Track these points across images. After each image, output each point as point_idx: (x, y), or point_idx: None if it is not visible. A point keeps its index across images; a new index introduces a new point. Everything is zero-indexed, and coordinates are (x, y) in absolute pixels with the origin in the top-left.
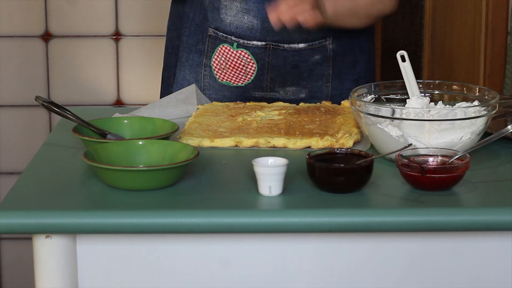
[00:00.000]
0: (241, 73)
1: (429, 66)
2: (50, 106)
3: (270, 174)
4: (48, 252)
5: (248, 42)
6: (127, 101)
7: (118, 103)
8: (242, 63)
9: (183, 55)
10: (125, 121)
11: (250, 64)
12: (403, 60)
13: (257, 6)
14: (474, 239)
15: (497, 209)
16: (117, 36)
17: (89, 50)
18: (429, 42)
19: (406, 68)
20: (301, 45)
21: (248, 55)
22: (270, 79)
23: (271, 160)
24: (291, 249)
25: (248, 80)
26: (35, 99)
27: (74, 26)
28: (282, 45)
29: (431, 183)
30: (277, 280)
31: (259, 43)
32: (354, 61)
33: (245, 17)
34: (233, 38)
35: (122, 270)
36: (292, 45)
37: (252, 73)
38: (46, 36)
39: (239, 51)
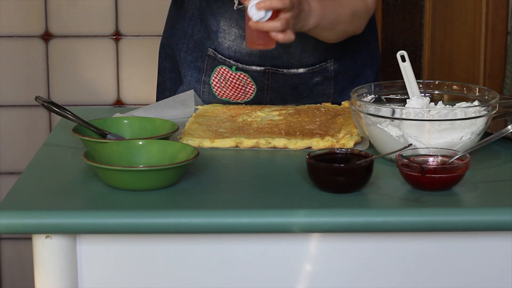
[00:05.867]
0: (241, 93)
1: (429, 66)
2: (50, 106)
3: None
4: (48, 252)
5: (247, 66)
6: (127, 101)
7: (118, 103)
8: (241, 84)
9: (182, 70)
10: (125, 121)
11: (249, 85)
12: (403, 60)
13: None
14: (474, 239)
15: (497, 209)
16: (117, 36)
17: (89, 50)
18: (429, 42)
19: (406, 68)
20: (301, 70)
21: (247, 77)
22: (270, 99)
23: None
24: (291, 249)
25: (247, 99)
26: (35, 99)
27: (74, 26)
28: (281, 70)
29: (431, 183)
30: (277, 280)
31: (258, 68)
32: (356, 75)
33: (244, 43)
34: (231, 61)
35: (122, 270)
36: (292, 70)
37: (251, 93)
38: (46, 36)
39: (238, 74)
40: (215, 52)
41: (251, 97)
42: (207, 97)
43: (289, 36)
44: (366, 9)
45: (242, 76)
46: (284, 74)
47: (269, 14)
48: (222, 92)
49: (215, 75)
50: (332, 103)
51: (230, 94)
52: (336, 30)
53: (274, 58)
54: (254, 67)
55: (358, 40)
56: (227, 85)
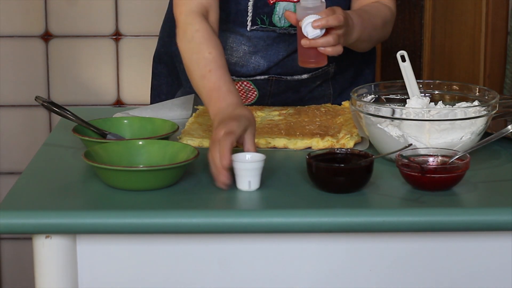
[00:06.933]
0: (242, 97)
1: (429, 66)
2: (50, 106)
3: (249, 170)
4: (48, 252)
5: (251, 77)
6: (127, 101)
7: (118, 103)
8: (243, 91)
9: (181, 77)
10: (125, 121)
11: (251, 92)
12: (403, 60)
13: (266, 47)
14: (474, 239)
15: (497, 209)
16: (117, 36)
17: (89, 50)
18: (429, 42)
19: (406, 68)
20: (305, 76)
21: (250, 84)
22: (271, 103)
23: (248, 155)
24: (291, 249)
25: (248, 102)
26: (35, 99)
27: (74, 26)
28: (285, 77)
29: (431, 183)
30: (277, 280)
31: (262, 76)
32: (355, 75)
33: (252, 58)
34: (234, 77)
35: (122, 270)
36: (295, 77)
37: (253, 99)
38: (46, 36)
39: (241, 81)
40: None
41: (252, 101)
42: None
43: (338, 49)
44: (392, 15)
45: (245, 83)
46: (288, 80)
47: (323, 31)
48: None
49: None
50: (332, 103)
51: None
52: (371, 40)
53: (279, 66)
54: (258, 77)
55: None
56: None
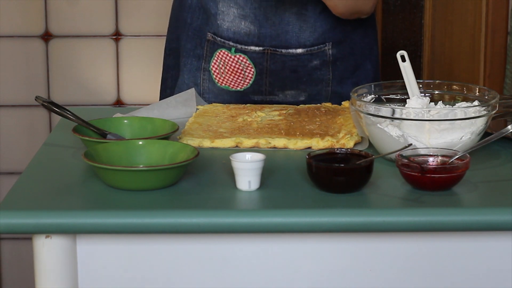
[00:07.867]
0: (240, 78)
1: (429, 66)
2: (50, 106)
3: (249, 169)
4: (48, 252)
5: (246, 47)
6: (127, 101)
7: (118, 103)
8: (240, 68)
9: (182, 60)
10: (125, 121)
11: (249, 69)
12: (403, 60)
13: (254, 12)
14: (474, 239)
15: (497, 209)
16: (117, 36)
17: (89, 50)
18: (429, 42)
19: (406, 68)
20: (299, 50)
21: (247, 59)
22: (269, 83)
23: (248, 155)
24: (291, 249)
25: (246, 85)
26: (35, 99)
27: (74, 26)
28: (280, 50)
29: (431, 183)
30: (277, 280)
31: (257, 48)
32: (355, 65)
33: (242, 23)
34: (230, 43)
35: (122, 270)
36: (290, 50)
37: (251, 78)
38: (46, 36)
39: (237, 56)
40: (214, 36)
41: (250, 82)
42: (207, 85)
43: None
44: None
45: (241, 58)
46: (283, 55)
47: None
48: (222, 78)
49: (214, 60)
50: (332, 92)
51: (230, 79)
52: None
53: (272, 38)
54: (252, 47)
55: (356, 29)
56: (226, 69)
